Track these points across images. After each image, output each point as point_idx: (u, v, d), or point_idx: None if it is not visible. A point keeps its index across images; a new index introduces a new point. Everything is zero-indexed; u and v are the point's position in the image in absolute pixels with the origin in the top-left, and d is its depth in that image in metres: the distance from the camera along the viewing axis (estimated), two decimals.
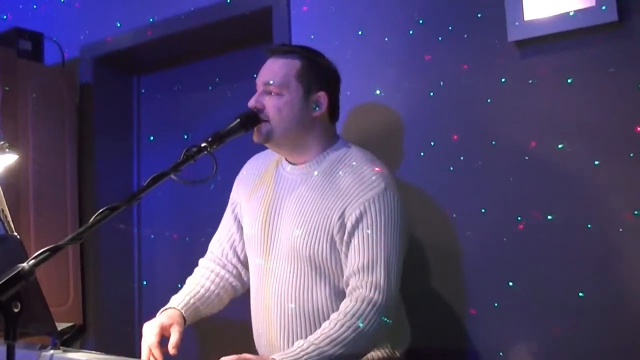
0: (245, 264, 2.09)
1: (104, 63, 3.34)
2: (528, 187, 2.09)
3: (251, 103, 1.92)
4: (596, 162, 1.99)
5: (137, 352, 3.18)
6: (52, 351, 1.44)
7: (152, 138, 3.44)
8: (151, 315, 1.94)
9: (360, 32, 2.46)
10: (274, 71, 1.91)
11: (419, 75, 2.31)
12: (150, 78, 3.47)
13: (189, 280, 2.10)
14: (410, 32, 2.34)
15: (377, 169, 1.87)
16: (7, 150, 1.75)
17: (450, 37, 2.25)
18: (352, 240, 1.81)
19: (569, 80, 2.04)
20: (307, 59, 1.93)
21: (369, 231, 1.79)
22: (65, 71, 3.25)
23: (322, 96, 1.92)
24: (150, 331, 1.85)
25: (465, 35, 2.22)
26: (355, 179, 1.86)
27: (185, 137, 3.22)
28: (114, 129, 3.39)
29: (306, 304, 1.87)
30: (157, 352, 1.83)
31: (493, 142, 2.15)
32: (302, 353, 1.65)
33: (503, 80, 2.15)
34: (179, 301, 1.99)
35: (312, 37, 2.54)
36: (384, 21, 2.40)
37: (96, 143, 3.29)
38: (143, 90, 3.48)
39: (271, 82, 1.89)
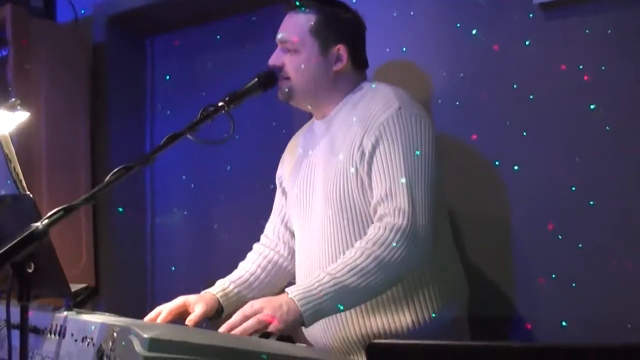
0: None
1: (118, 22, 3.26)
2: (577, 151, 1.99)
3: (271, 61, 1.89)
4: None
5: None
6: (65, 312, 1.40)
7: (164, 104, 3.36)
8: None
9: None
10: (290, 28, 1.88)
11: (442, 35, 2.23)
12: (166, 38, 3.38)
13: (240, 265, 2.04)
14: None
15: (392, 93, 1.80)
16: (19, 107, 1.70)
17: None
18: (372, 168, 1.73)
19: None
20: (323, 12, 1.88)
21: (387, 155, 1.71)
22: (78, 30, 3.19)
23: (341, 49, 1.87)
24: (172, 302, 1.81)
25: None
26: (370, 104, 1.80)
27: (202, 96, 3.07)
28: (127, 90, 3.32)
29: None
30: (164, 316, 1.78)
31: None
32: (316, 284, 1.58)
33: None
34: (219, 286, 1.94)
35: None
36: None
37: (109, 104, 3.23)
38: (158, 52, 3.40)
39: (286, 39, 1.87)
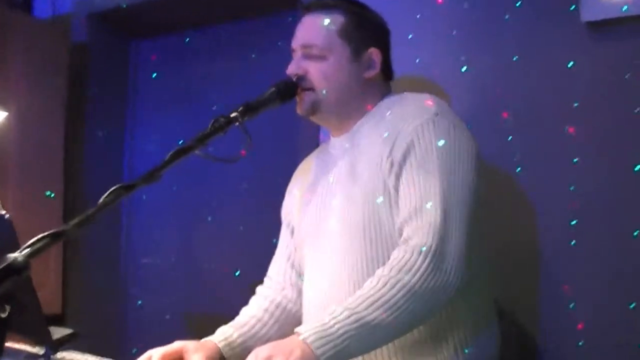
0: None
1: (99, 21, 3.06)
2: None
3: (290, 69, 1.65)
4: None
5: (120, 349, 2.95)
6: None
7: (145, 109, 3.19)
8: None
9: None
10: (314, 30, 1.65)
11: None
12: (152, 42, 3.20)
13: (243, 310, 1.77)
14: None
15: (428, 99, 1.58)
16: None
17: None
18: (401, 181, 1.49)
19: None
20: (351, 12, 1.66)
21: (419, 166, 1.47)
22: (56, 27, 2.97)
23: (374, 53, 1.65)
24: (167, 346, 1.55)
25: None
26: (401, 111, 1.58)
27: (186, 102, 2.99)
28: (107, 92, 3.11)
29: None
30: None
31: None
32: (333, 322, 1.33)
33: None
34: (221, 334, 1.67)
35: None
36: None
37: (87, 106, 3.02)
38: (142, 56, 3.21)
39: (310, 43, 1.63)
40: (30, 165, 2.74)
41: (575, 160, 1.84)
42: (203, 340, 1.63)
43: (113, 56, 3.15)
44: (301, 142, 2.37)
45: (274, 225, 1.91)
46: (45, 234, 1.07)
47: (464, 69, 2.03)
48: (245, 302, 1.80)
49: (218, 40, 2.97)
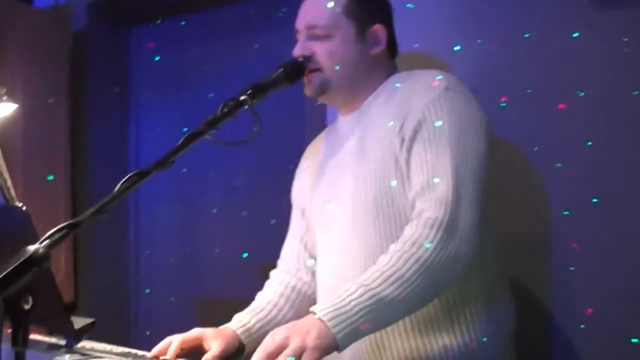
0: None
1: (100, 9, 3.03)
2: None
3: (296, 51, 1.64)
4: None
5: (131, 336, 2.96)
6: (67, 356, 1.12)
7: (148, 95, 3.16)
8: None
9: None
10: (317, 10, 1.63)
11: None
12: (151, 28, 3.15)
13: (258, 295, 1.77)
14: None
15: (437, 74, 1.58)
16: (4, 98, 1.40)
17: None
18: (412, 155, 1.49)
19: None
20: None
21: (431, 139, 1.47)
22: (56, 16, 2.93)
23: (379, 30, 1.64)
24: (186, 333, 1.56)
25: None
26: (412, 87, 1.58)
27: (188, 89, 2.96)
28: (109, 80, 3.08)
29: None
30: (175, 348, 1.53)
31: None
32: (348, 299, 1.33)
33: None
34: (239, 321, 1.67)
35: None
36: None
37: (90, 94, 3.00)
38: (142, 41, 3.18)
39: (315, 23, 1.62)
40: (35, 155, 2.73)
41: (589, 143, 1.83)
42: (221, 327, 1.64)
43: (113, 43, 3.13)
44: (308, 124, 2.35)
45: (280, 209, 1.91)
46: (64, 224, 1.07)
47: (457, 48, 2.01)
48: (252, 285, 1.80)
49: (217, 24, 2.94)
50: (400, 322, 1.48)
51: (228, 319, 1.69)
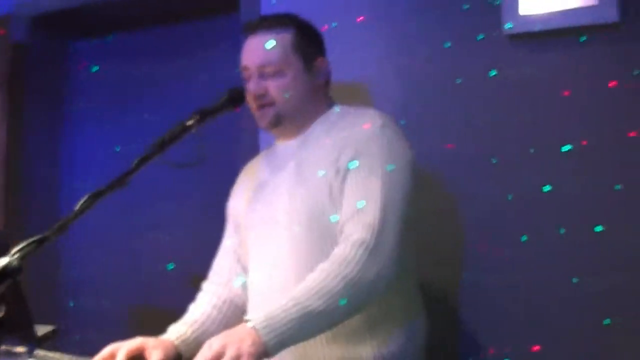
0: None
1: (40, 23, 3.02)
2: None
3: (253, 90, 1.73)
4: None
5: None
6: None
7: (85, 111, 3.15)
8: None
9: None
10: (267, 49, 1.73)
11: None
12: (91, 44, 3.19)
13: (191, 307, 1.86)
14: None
15: (374, 111, 1.75)
16: None
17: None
18: (346, 184, 1.64)
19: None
20: (296, 27, 1.77)
21: (364, 170, 1.62)
22: None
23: (321, 62, 1.79)
24: (129, 342, 1.61)
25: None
26: (353, 121, 1.72)
27: (126, 105, 2.99)
28: (47, 95, 3.09)
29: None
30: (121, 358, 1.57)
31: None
32: (279, 311, 1.46)
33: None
34: (175, 333, 1.75)
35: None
36: None
37: (26, 108, 3.00)
38: (81, 58, 3.19)
39: (266, 62, 1.72)
40: None
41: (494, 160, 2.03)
42: (161, 337, 1.71)
43: (52, 58, 3.12)
44: (241, 149, 2.40)
45: (214, 224, 2.00)
46: (32, 239, 1.18)
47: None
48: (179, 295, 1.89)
49: (158, 43, 2.98)
50: (323, 335, 1.61)
51: (158, 328, 1.75)
